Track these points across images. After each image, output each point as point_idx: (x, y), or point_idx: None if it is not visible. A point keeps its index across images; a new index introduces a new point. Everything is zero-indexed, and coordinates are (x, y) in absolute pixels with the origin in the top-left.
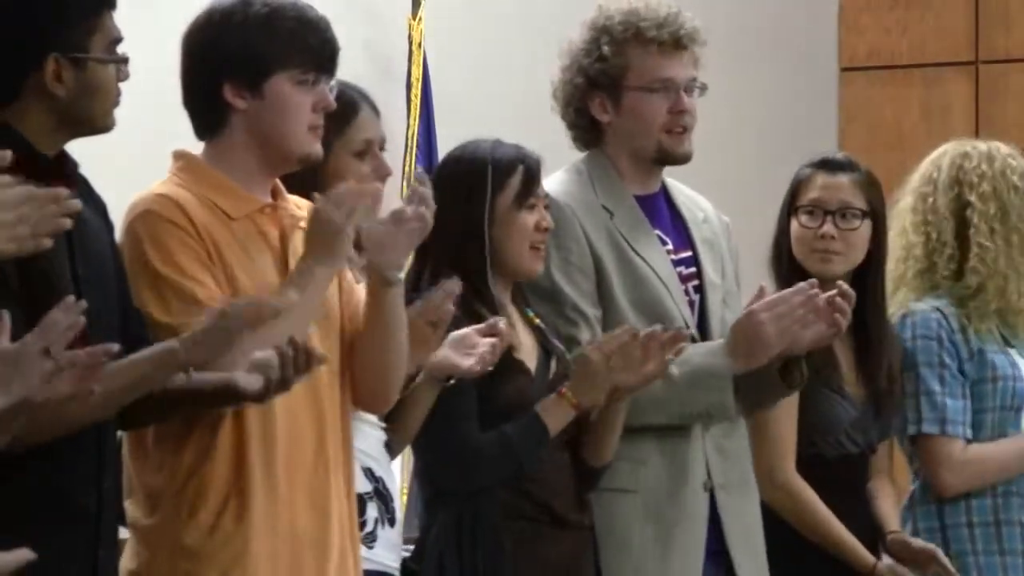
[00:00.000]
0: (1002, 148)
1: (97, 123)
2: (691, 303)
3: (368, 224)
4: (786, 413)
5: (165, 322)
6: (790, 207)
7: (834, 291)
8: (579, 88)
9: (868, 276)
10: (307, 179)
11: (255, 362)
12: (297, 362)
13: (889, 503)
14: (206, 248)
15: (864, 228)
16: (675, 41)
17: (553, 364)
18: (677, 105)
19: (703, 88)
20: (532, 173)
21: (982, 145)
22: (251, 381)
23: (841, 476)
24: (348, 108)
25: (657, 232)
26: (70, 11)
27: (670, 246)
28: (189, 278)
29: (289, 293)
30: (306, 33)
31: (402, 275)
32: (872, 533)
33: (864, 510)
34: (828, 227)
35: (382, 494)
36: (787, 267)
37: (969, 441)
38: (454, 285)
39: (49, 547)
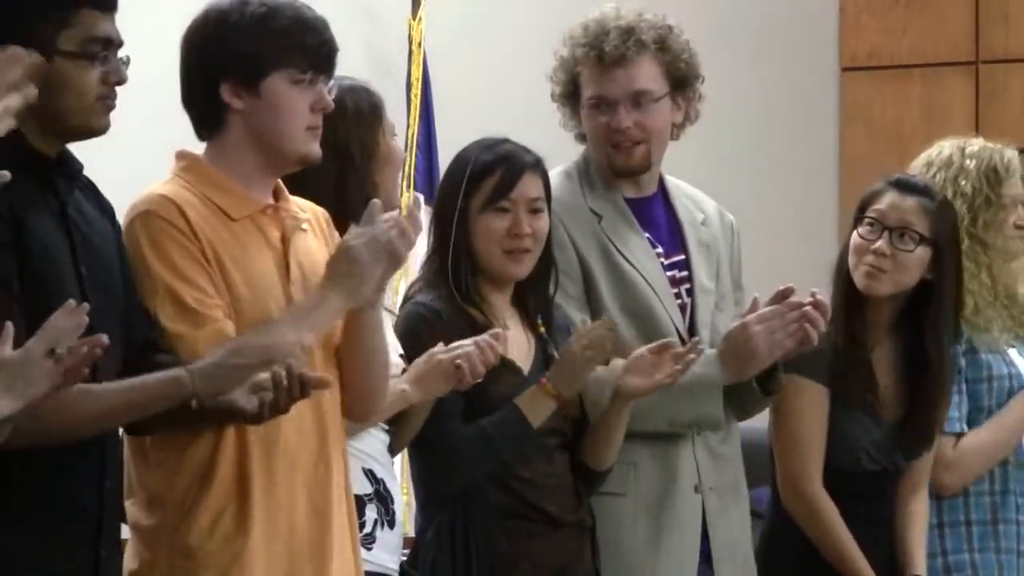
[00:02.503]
0: (970, 148)
1: (71, 122)
2: (682, 307)
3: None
4: (816, 423)
5: (161, 325)
6: (856, 220)
7: (809, 300)
8: (559, 101)
9: (928, 303)
10: (361, 164)
11: (253, 384)
12: (291, 388)
13: (919, 534)
14: (203, 250)
15: (920, 253)
16: (598, 59)
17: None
18: (611, 122)
19: (671, 96)
20: (509, 177)
21: (948, 149)
22: (251, 401)
23: (858, 490)
24: (378, 98)
25: (647, 236)
26: (37, 4)
27: (660, 249)
28: (183, 281)
29: (305, 336)
30: (303, 33)
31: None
32: (888, 547)
33: (883, 523)
34: (882, 243)
35: (382, 496)
36: (844, 281)
37: (965, 434)
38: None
39: (51, 547)
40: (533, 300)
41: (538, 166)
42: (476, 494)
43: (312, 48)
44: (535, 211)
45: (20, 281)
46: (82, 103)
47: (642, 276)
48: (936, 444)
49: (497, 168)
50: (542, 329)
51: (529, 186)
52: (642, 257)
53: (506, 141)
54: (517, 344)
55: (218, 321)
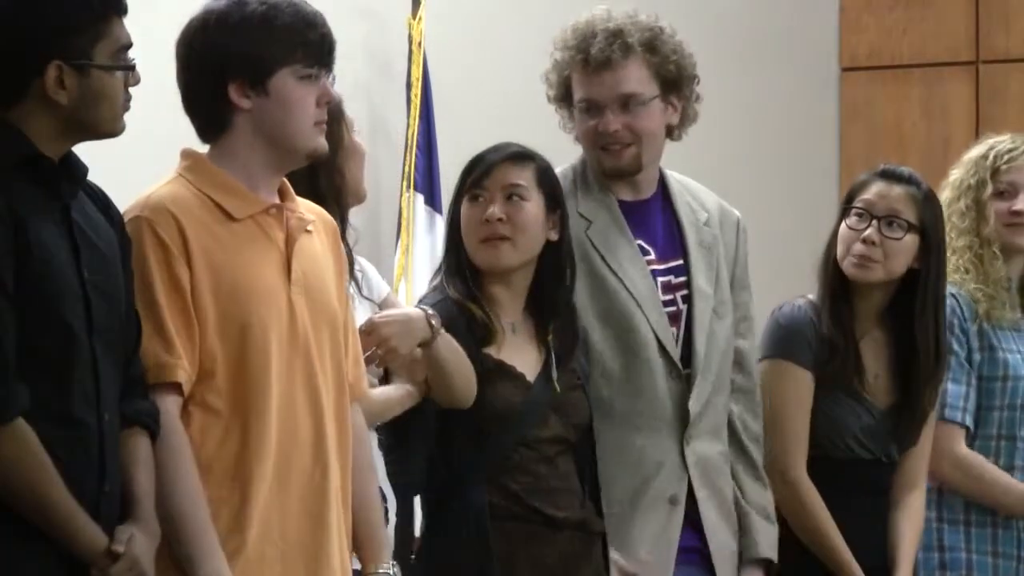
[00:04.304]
0: (999, 148)
1: (103, 128)
2: (675, 314)
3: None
4: (800, 412)
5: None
6: (844, 211)
7: None
8: (555, 103)
9: (916, 290)
10: (330, 157)
11: None
12: None
13: (909, 536)
14: (188, 263)
15: (908, 241)
16: (584, 63)
17: (555, 373)
18: (599, 125)
19: (662, 97)
20: (485, 165)
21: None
22: None
23: (851, 480)
24: (338, 95)
25: (639, 241)
26: (74, 18)
27: (652, 255)
28: (157, 306)
29: None
30: (305, 28)
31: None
32: (879, 540)
33: (877, 515)
34: (871, 231)
35: None
36: (832, 272)
37: (971, 431)
38: None
39: (51, 552)
40: (547, 305)
41: (524, 157)
42: (472, 495)
43: (315, 43)
44: (513, 197)
45: (18, 281)
46: (114, 111)
47: (624, 285)
48: (929, 435)
49: (479, 160)
50: (549, 337)
51: (506, 173)
52: (627, 265)
53: (506, 142)
54: (522, 351)
55: (182, 368)
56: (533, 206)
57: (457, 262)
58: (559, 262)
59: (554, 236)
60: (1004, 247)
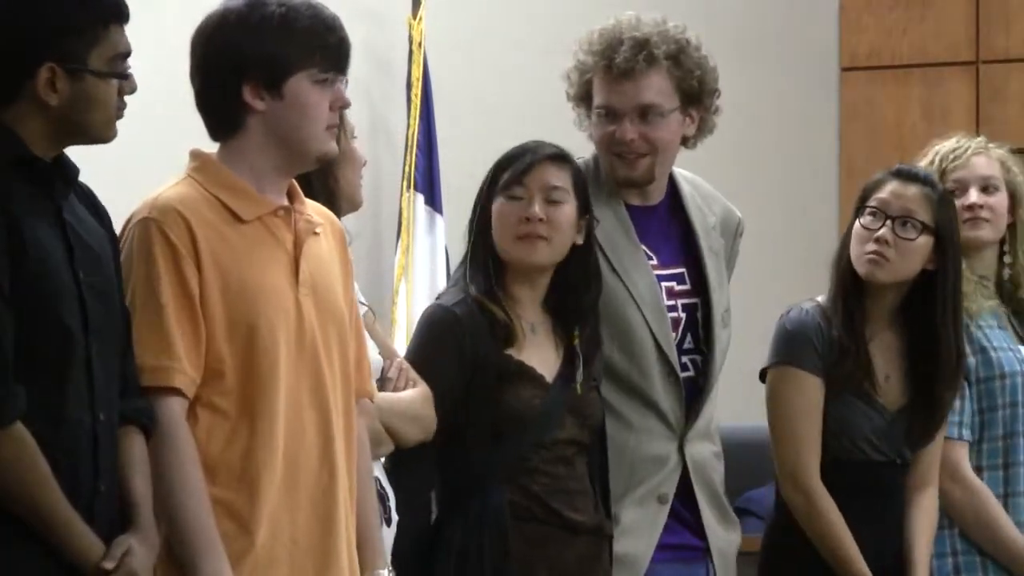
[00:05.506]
0: (943, 150)
1: (93, 133)
2: (676, 320)
3: None
4: (810, 418)
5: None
6: (858, 210)
7: None
8: (574, 101)
9: (934, 291)
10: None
11: None
12: None
13: (925, 536)
14: (197, 264)
15: (921, 242)
16: (607, 69)
17: (579, 375)
18: (616, 133)
19: (682, 110)
20: (524, 164)
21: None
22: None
23: (863, 482)
24: None
25: (643, 247)
26: (70, 22)
27: (655, 261)
28: (162, 308)
29: None
30: (323, 32)
31: None
32: (894, 543)
33: (891, 517)
34: (885, 231)
35: (379, 494)
36: (845, 271)
37: (970, 442)
38: None
39: (50, 551)
40: (573, 309)
41: (562, 159)
42: (491, 495)
43: (333, 47)
44: (553, 200)
45: (15, 282)
46: (106, 117)
47: (625, 286)
48: (943, 434)
49: (516, 158)
50: (576, 341)
51: (546, 174)
52: (631, 268)
53: (540, 141)
54: (541, 351)
55: (182, 372)
56: (569, 208)
57: (483, 257)
58: (586, 268)
59: (579, 240)
60: (966, 244)
